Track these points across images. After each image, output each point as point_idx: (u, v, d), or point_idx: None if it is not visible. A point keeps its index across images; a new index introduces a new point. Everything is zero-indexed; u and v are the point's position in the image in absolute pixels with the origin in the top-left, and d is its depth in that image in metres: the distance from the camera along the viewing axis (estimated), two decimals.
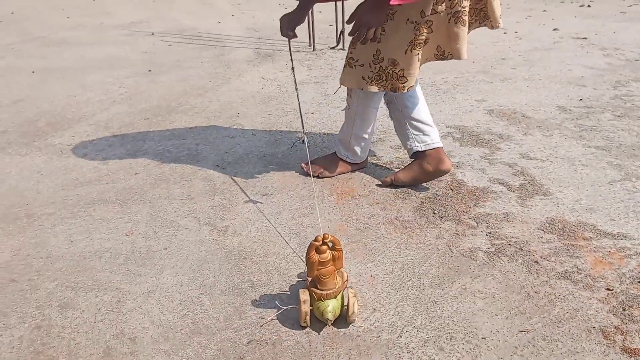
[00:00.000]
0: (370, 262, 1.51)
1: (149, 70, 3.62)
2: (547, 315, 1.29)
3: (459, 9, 1.65)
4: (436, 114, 2.62)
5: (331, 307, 1.23)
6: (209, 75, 3.51)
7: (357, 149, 2.01)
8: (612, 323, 1.25)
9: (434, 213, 1.76)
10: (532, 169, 2.05)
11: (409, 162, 2.00)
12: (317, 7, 4.15)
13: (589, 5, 5.59)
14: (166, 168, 2.14)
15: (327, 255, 1.25)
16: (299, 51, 4.10)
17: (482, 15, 1.73)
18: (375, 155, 2.20)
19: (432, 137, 1.90)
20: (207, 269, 1.49)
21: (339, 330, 1.26)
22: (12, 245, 1.62)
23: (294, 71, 1.94)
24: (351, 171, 2.06)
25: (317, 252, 1.24)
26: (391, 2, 1.52)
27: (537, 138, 2.35)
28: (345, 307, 1.27)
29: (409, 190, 1.91)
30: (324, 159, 2.08)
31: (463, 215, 1.74)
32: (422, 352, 1.19)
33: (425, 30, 1.67)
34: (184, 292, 1.40)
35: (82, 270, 1.49)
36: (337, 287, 1.26)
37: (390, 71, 1.73)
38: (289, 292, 1.38)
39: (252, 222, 1.73)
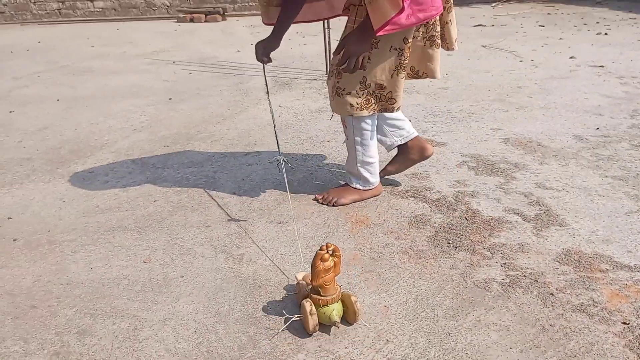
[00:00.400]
0: (384, 292, 1.52)
1: (170, 99, 3.71)
2: (562, 349, 1.27)
3: (434, 33, 1.85)
4: (451, 142, 2.64)
5: (336, 310, 1.34)
6: (227, 103, 3.59)
7: (368, 175, 2.05)
8: (628, 358, 1.23)
9: (449, 243, 1.76)
10: (548, 199, 2.05)
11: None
12: (333, 35, 4.21)
13: (605, 33, 5.59)
14: (184, 195, 2.19)
15: (330, 262, 1.33)
16: (315, 79, 4.17)
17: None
18: (390, 184, 2.22)
19: (407, 129, 2.09)
20: (222, 297, 1.51)
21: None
22: (34, 272, 1.66)
23: (268, 95, 2.11)
24: (366, 198, 2.09)
25: (321, 261, 1.31)
26: (377, 33, 1.62)
27: (553, 167, 2.35)
28: (345, 309, 1.38)
29: (424, 219, 1.92)
30: (338, 188, 2.12)
31: (478, 245, 1.74)
32: None
33: (408, 55, 1.82)
34: (199, 320, 1.42)
35: (100, 297, 1.52)
36: (337, 292, 1.36)
37: (379, 94, 1.87)
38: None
39: (267, 250, 1.75)
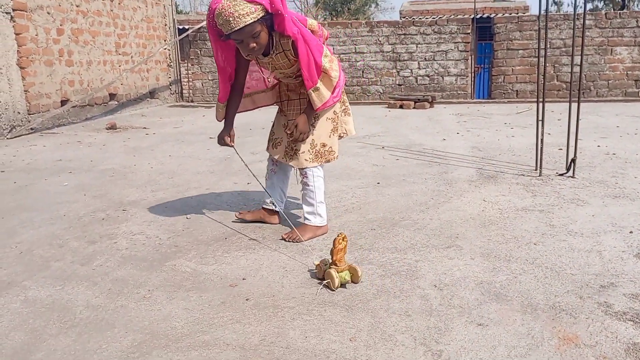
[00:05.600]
0: None
1: (378, 183, 4.01)
2: None
3: (347, 105, 2.99)
4: None
5: (347, 275, 2.25)
6: (431, 192, 3.73)
7: (322, 213, 2.87)
8: None
9: None
10: None
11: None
12: (546, 129, 4.12)
13: None
14: (387, 280, 2.34)
15: (343, 245, 2.25)
16: (523, 175, 4.09)
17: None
18: (604, 303, 2.07)
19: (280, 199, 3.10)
20: None
21: None
22: (261, 331, 1.94)
23: (247, 167, 3.23)
24: (319, 235, 2.86)
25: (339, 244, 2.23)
26: (316, 110, 2.65)
27: None
28: (352, 274, 2.28)
29: None
30: (299, 227, 2.84)
31: None
32: None
33: (338, 122, 2.85)
34: None
35: None
36: (346, 264, 2.27)
37: (323, 150, 2.80)
38: None
39: (466, 352, 1.77)
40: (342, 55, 10.11)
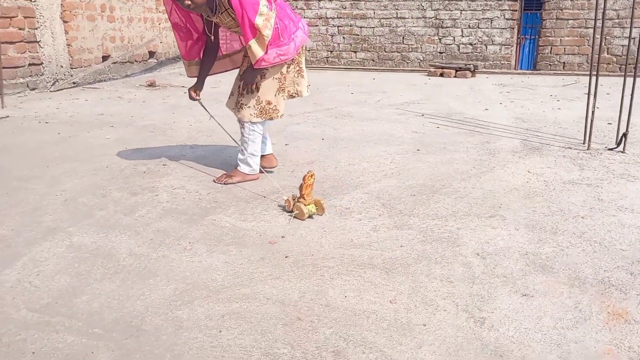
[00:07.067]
0: None
1: (418, 150, 3.93)
2: None
3: (301, 66, 3.07)
4: None
5: (313, 208, 2.58)
6: (473, 161, 3.63)
7: (252, 164, 3.07)
8: None
9: None
10: None
11: None
12: (599, 102, 3.92)
13: None
14: (428, 246, 2.30)
15: (311, 181, 2.57)
16: (570, 148, 3.94)
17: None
18: None
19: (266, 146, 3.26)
20: (463, 356, 1.55)
21: None
22: (300, 288, 1.94)
23: (210, 115, 3.28)
24: (247, 181, 3.07)
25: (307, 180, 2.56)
26: (255, 66, 2.76)
27: None
28: (318, 207, 2.61)
29: None
30: (230, 171, 3.12)
31: None
32: None
33: (285, 82, 2.98)
34: None
35: (352, 325, 1.70)
36: (312, 199, 2.59)
37: (267, 107, 2.95)
38: None
39: (510, 321, 1.73)
40: (382, 20, 9.85)
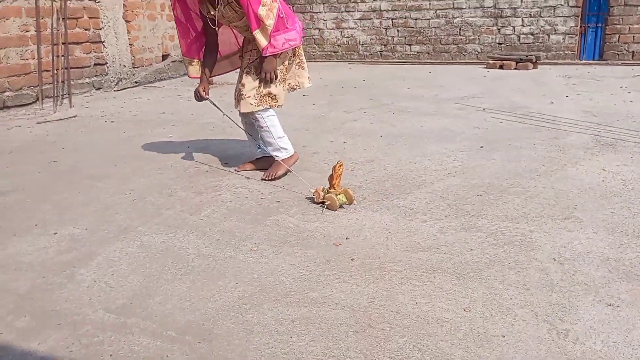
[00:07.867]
0: None
1: (481, 147, 3.79)
2: None
3: (302, 59, 3.15)
4: None
5: (344, 197, 2.62)
6: (541, 158, 3.47)
7: (286, 145, 3.09)
8: None
9: None
10: None
11: None
12: None
13: None
14: (500, 250, 2.20)
15: (341, 171, 2.61)
16: None
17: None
18: None
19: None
20: None
21: None
22: (369, 293, 1.90)
23: (224, 114, 3.30)
24: (291, 165, 3.10)
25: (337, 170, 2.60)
26: (264, 54, 2.85)
27: None
28: (348, 197, 2.64)
29: None
30: (272, 167, 3.12)
31: None
32: None
33: (286, 73, 3.05)
34: None
35: (426, 335, 1.65)
36: (342, 189, 2.63)
37: (269, 97, 2.98)
38: None
39: (597, 334, 1.62)
40: (438, 11, 9.60)
